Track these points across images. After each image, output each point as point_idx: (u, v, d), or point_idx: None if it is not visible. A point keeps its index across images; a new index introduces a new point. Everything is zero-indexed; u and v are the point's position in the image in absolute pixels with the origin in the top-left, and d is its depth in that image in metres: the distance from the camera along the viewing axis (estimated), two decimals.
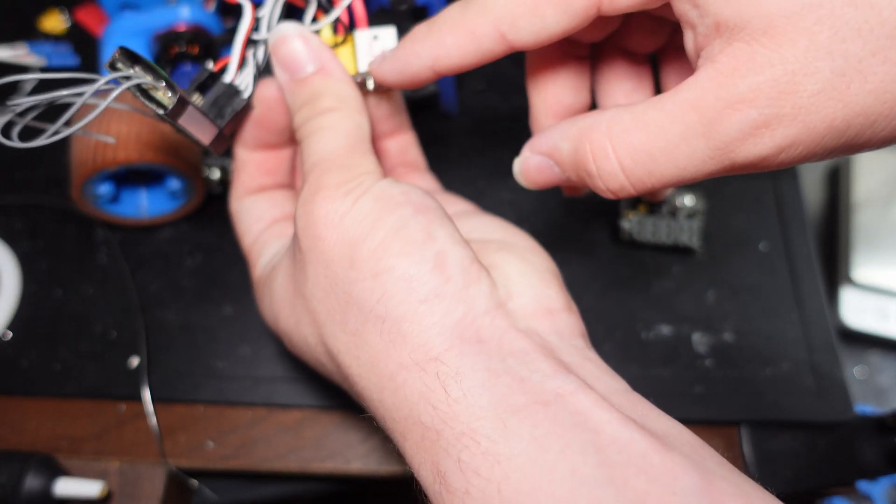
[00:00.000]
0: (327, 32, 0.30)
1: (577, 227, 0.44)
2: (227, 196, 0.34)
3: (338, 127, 0.27)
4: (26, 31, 0.50)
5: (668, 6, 0.22)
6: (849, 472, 0.36)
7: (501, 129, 0.47)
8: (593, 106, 0.31)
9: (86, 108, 0.30)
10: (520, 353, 0.22)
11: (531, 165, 0.27)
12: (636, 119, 0.22)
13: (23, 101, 0.25)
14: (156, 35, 0.40)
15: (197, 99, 0.29)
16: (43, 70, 0.26)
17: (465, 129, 0.47)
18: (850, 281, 0.72)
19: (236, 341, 0.40)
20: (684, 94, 0.21)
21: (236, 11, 0.30)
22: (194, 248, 0.43)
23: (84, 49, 0.49)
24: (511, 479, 0.19)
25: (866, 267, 0.71)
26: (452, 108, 0.46)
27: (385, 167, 0.35)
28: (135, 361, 0.39)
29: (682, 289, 0.43)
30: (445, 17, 0.26)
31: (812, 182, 0.83)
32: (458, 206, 0.34)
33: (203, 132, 0.28)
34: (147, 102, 0.26)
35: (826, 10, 0.19)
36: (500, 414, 0.20)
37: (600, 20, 0.25)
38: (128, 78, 0.25)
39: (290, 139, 0.32)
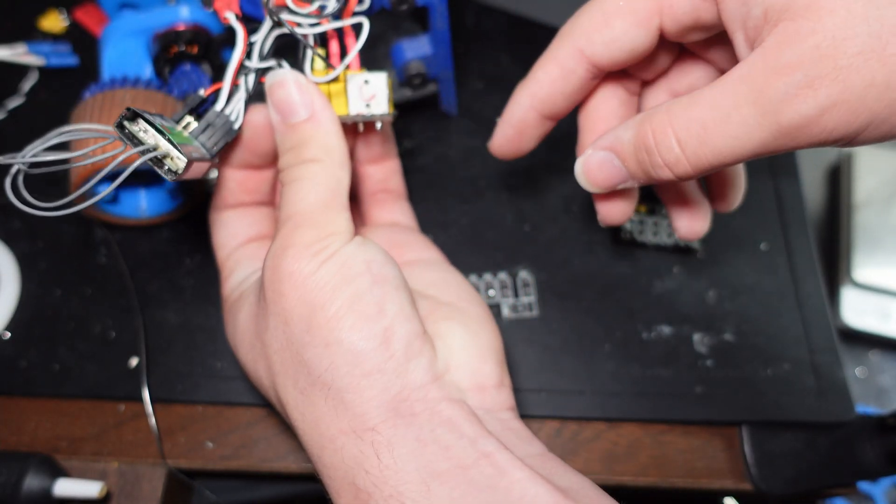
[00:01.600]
0: (319, 65, 0.30)
1: (577, 227, 0.44)
2: None
3: (318, 180, 0.28)
4: (25, 31, 0.50)
5: (718, 22, 0.25)
6: (850, 473, 0.36)
7: None
8: None
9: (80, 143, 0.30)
10: (448, 422, 0.25)
11: (593, 162, 0.28)
12: (692, 98, 0.24)
13: (36, 158, 0.26)
14: (155, 35, 0.40)
15: (190, 124, 0.29)
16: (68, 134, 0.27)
17: (465, 129, 0.47)
18: (850, 281, 0.72)
19: None
20: (736, 72, 0.23)
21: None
22: (193, 249, 0.43)
23: (83, 49, 0.49)
24: None
25: (867, 267, 0.71)
26: (452, 108, 0.46)
27: (366, 191, 0.36)
28: (134, 361, 0.39)
29: (682, 289, 0.42)
30: (538, 61, 0.29)
31: (813, 182, 0.83)
32: (425, 253, 0.34)
33: (197, 171, 0.29)
34: (158, 170, 0.26)
35: None
36: (425, 478, 0.23)
37: (654, 56, 0.29)
38: (148, 150, 0.26)
39: (273, 161, 0.33)
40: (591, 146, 0.28)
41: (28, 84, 0.48)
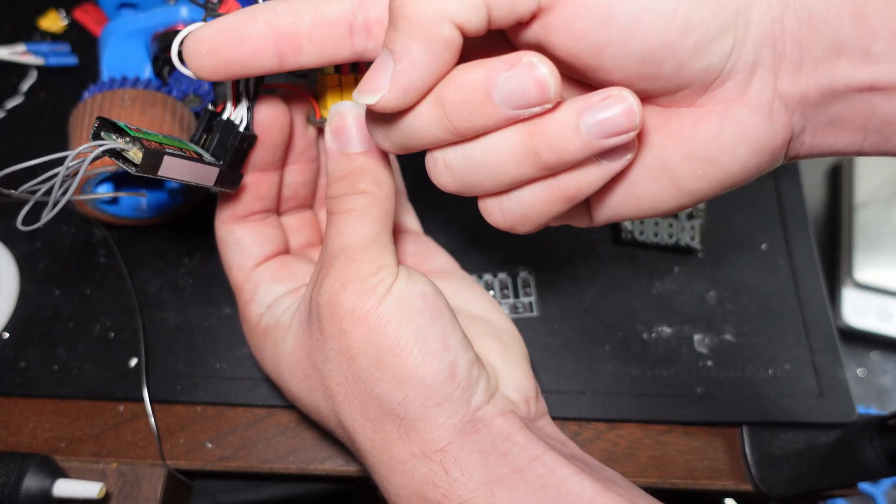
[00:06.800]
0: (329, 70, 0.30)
1: (577, 227, 0.44)
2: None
3: (368, 212, 0.29)
4: (25, 31, 0.50)
5: None
6: (850, 474, 0.36)
7: None
8: None
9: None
10: (503, 432, 0.27)
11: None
12: None
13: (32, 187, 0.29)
14: (154, 34, 0.40)
15: (205, 140, 0.30)
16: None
17: None
18: (851, 281, 0.71)
19: (235, 342, 0.40)
20: None
21: None
22: (193, 249, 0.43)
23: (82, 48, 0.49)
24: None
25: (868, 267, 0.71)
26: None
27: None
28: (133, 362, 0.39)
29: (683, 289, 0.42)
30: None
31: (813, 182, 0.83)
32: (441, 261, 0.36)
33: (201, 175, 0.29)
34: (122, 164, 0.27)
35: None
36: (489, 485, 0.26)
37: None
38: (101, 145, 0.27)
39: (283, 162, 0.33)
40: None
41: (27, 84, 0.48)
